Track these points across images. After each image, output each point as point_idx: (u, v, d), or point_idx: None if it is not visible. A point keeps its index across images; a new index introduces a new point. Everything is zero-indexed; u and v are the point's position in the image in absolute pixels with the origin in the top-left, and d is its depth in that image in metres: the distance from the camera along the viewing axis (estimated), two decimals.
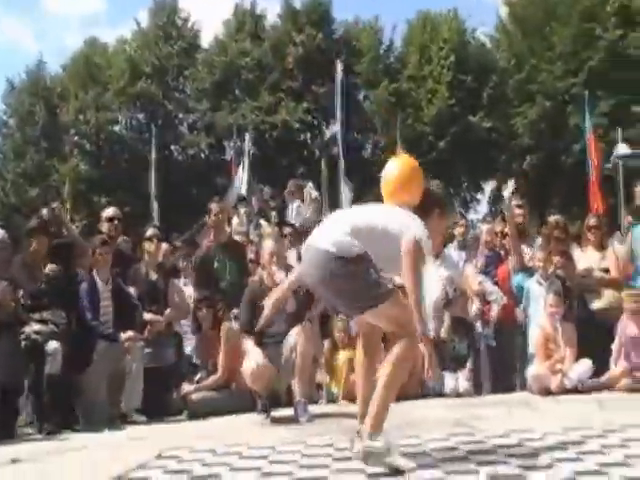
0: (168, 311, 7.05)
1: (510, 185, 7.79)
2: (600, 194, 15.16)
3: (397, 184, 4.10)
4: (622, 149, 18.05)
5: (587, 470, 3.32)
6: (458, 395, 6.45)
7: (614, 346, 6.76)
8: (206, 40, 31.56)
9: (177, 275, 8.31)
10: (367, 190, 27.17)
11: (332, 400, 6.72)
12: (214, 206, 7.84)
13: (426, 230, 3.78)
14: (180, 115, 31.63)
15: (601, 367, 6.74)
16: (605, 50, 25.87)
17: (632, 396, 6.27)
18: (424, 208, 4.02)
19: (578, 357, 6.74)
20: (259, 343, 5.99)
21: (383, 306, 3.64)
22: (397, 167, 4.20)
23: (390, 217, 3.86)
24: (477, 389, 7.01)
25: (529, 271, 7.49)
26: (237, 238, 9.09)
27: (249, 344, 6.00)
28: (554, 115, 26.65)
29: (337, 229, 3.77)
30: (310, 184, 12.11)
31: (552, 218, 7.99)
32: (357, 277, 3.63)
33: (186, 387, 6.51)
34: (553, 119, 26.67)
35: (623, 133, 19.56)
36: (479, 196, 31.44)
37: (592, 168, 15.25)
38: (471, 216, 25.40)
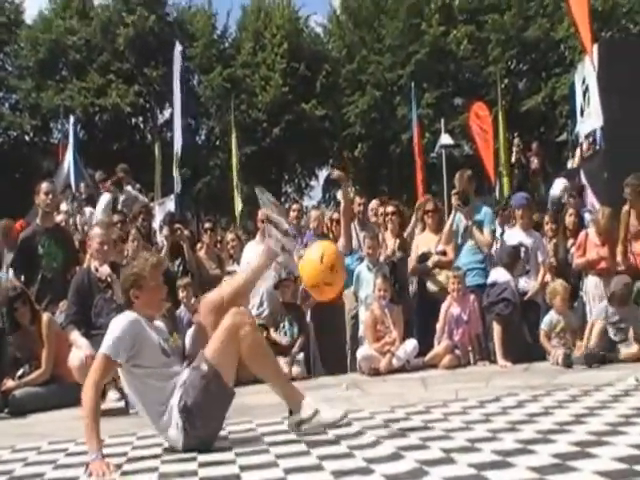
0: None
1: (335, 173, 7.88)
2: (423, 181, 15.90)
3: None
4: (445, 139, 19.07)
5: (410, 445, 3.48)
6: (292, 379, 6.45)
7: (438, 325, 7.12)
8: (30, 16, 30.07)
9: None
10: (201, 175, 27.03)
11: None
12: (44, 185, 7.32)
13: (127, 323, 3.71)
14: (0, 94, 29.75)
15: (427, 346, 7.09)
16: (430, 45, 27.12)
17: (453, 372, 6.64)
18: (128, 301, 3.91)
19: (416, 336, 7.08)
20: (87, 335, 5.78)
21: None
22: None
23: None
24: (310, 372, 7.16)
25: (358, 256, 7.67)
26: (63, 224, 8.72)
27: (77, 335, 5.76)
28: (383, 105, 27.64)
29: None
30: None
31: (389, 208, 8.06)
32: None
33: (8, 383, 6.13)
34: (382, 109, 27.64)
35: (446, 124, 20.66)
36: (313, 182, 32.11)
37: (417, 157, 15.94)
38: (305, 202, 25.87)
